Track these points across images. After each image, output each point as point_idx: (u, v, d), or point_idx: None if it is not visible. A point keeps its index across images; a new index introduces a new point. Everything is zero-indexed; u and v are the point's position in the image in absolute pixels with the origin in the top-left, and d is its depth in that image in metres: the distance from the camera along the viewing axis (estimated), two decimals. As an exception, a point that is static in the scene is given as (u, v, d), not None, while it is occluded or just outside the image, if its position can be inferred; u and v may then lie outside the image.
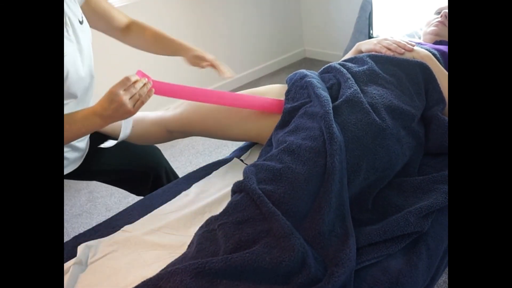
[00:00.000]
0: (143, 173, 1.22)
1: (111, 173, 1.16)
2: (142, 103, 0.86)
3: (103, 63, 2.24)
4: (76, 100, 0.98)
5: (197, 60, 1.11)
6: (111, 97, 0.82)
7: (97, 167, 1.14)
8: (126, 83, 0.83)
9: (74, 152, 1.06)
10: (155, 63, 2.55)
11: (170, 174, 1.29)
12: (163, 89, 1.00)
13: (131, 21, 1.17)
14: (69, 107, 0.96)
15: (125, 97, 0.82)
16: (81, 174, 1.12)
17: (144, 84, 0.86)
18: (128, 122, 1.03)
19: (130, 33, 1.16)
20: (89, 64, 1.00)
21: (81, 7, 1.01)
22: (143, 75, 0.92)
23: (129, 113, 0.85)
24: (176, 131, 1.18)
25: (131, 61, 2.41)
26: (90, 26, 1.03)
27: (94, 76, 1.03)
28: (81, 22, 0.96)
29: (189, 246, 0.82)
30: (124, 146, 1.15)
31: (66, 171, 1.06)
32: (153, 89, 0.90)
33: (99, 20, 1.09)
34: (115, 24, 1.12)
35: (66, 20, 0.89)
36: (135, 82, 0.84)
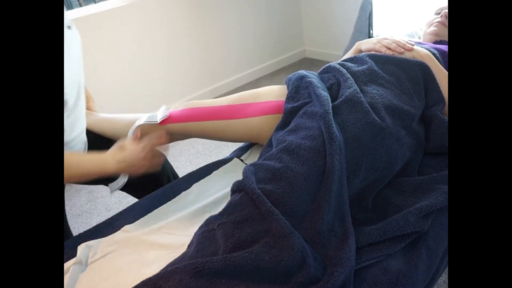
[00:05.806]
0: (144, 178, 1.21)
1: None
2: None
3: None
4: (67, 111, 0.95)
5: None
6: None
7: None
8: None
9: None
10: (152, 65, 2.56)
11: (172, 180, 1.28)
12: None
13: None
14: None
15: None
16: None
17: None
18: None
19: None
20: (77, 71, 0.98)
21: None
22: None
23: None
24: (176, 133, 1.18)
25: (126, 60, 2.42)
26: None
27: (82, 86, 1.02)
28: (69, 28, 0.95)
29: (188, 245, 0.82)
30: None
31: None
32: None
33: None
34: None
35: None
36: None
